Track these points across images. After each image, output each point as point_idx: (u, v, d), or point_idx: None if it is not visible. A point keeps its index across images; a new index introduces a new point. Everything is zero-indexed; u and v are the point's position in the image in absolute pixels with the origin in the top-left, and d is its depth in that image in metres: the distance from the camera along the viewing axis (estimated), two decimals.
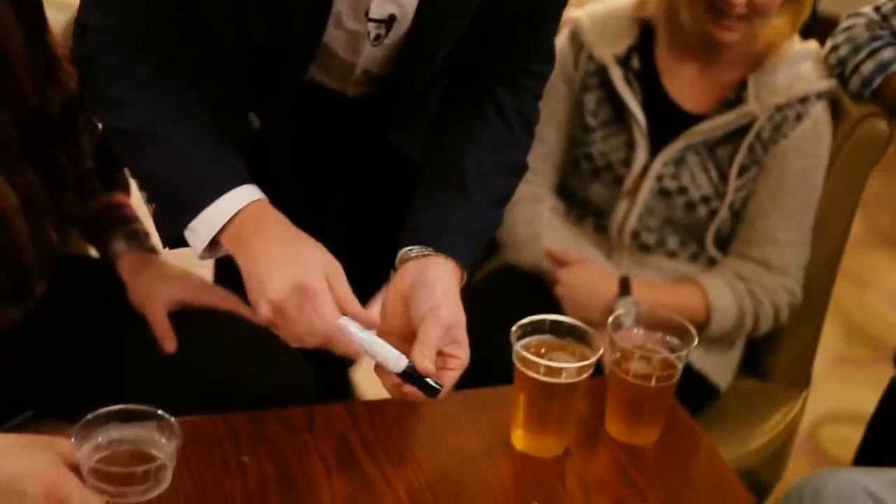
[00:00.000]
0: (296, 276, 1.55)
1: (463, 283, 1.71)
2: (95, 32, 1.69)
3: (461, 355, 1.62)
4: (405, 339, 1.62)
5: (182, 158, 1.66)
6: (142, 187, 1.75)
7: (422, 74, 1.85)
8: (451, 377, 1.61)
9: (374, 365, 1.61)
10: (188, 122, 1.68)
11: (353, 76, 1.91)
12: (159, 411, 1.50)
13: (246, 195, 1.63)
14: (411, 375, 1.57)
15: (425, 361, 1.57)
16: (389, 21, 1.75)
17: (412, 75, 1.85)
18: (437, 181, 1.81)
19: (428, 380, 1.57)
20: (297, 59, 1.80)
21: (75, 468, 1.44)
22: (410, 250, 1.70)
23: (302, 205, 1.92)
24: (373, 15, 1.74)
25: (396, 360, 1.56)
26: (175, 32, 1.72)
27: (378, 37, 1.78)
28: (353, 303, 1.59)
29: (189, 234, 1.65)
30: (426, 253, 1.69)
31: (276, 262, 1.57)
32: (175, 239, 1.68)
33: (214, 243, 1.64)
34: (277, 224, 1.63)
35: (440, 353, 1.60)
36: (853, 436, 2.53)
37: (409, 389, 1.59)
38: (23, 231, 1.96)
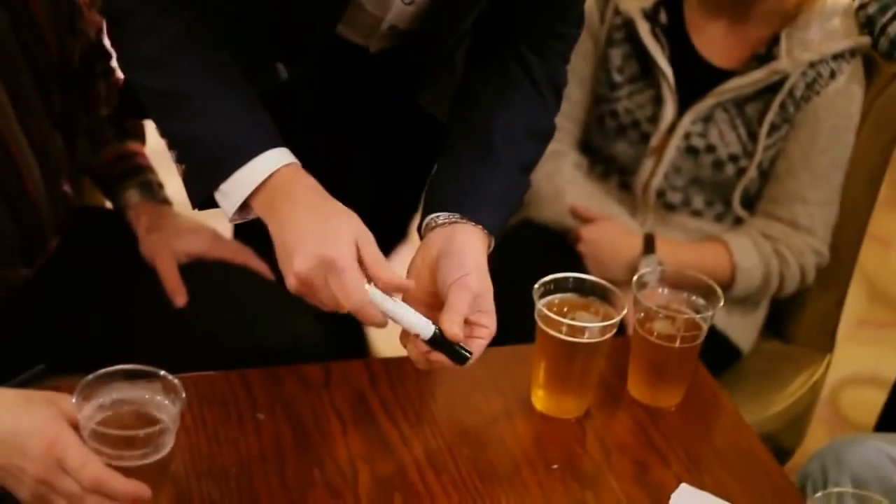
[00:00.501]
0: (322, 250, 1.52)
1: (490, 249, 1.70)
2: None
3: (489, 324, 1.61)
4: (432, 307, 1.61)
5: (214, 120, 1.64)
6: (171, 147, 1.73)
7: (450, 33, 1.83)
8: (478, 346, 1.60)
9: (400, 333, 1.59)
10: (221, 83, 1.66)
11: (379, 31, 1.89)
12: (162, 372, 1.47)
13: (278, 158, 1.61)
14: (440, 342, 1.55)
15: (454, 327, 1.55)
16: None
17: (440, 33, 1.83)
18: (465, 146, 1.79)
19: (456, 346, 1.55)
20: (327, 10, 1.77)
21: (76, 426, 1.41)
22: (437, 217, 1.69)
23: (325, 160, 1.90)
24: None
25: (425, 327, 1.55)
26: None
27: None
28: (384, 269, 1.55)
29: (220, 196, 1.63)
30: (454, 220, 1.67)
31: (303, 232, 1.54)
32: (205, 200, 1.66)
33: (245, 206, 1.62)
34: (308, 190, 1.60)
35: (467, 322, 1.58)
36: (874, 400, 2.51)
37: (437, 357, 1.57)
38: (38, 185, 1.94)
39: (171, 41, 1.65)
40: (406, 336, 1.59)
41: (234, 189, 1.61)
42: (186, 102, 1.64)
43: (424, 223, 1.71)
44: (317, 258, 1.52)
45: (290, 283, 1.55)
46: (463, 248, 1.63)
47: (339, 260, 1.51)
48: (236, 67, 1.69)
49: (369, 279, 1.53)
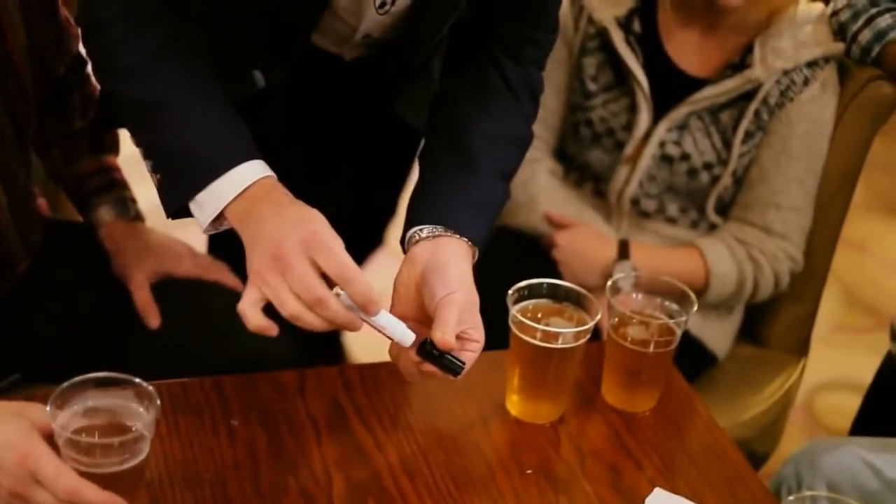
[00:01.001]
0: (276, 249, 1.51)
1: (475, 259, 1.70)
2: (104, 4, 1.66)
3: (478, 338, 1.60)
4: (420, 322, 1.60)
5: (192, 130, 1.63)
6: (146, 157, 1.72)
7: (425, 42, 1.83)
8: (469, 359, 1.59)
9: (390, 346, 1.59)
10: (199, 93, 1.66)
11: (353, 40, 1.89)
12: (137, 379, 1.47)
13: (255, 170, 1.61)
14: (432, 353, 1.55)
15: (447, 337, 1.54)
16: None
17: (415, 42, 1.83)
18: (445, 155, 1.79)
19: (449, 357, 1.56)
20: (303, 19, 1.78)
21: (49, 435, 1.41)
22: (421, 230, 1.67)
23: (301, 167, 1.90)
24: None
25: (403, 333, 1.54)
26: (185, 4, 1.69)
27: (384, 4, 1.75)
28: (352, 274, 1.51)
29: (194, 206, 1.62)
30: (437, 233, 1.67)
31: (265, 235, 1.54)
32: (179, 210, 1.65)
33: (218, 216, 1.61)
34: (278, 196, 1.59)
35: (458, 337, 1.57)
36: (849, 405, 2.52)
37: (428, 368, 1.57)
38: (4, 212, 1.92)
39: (148, 51, 1.65)
40: (396, 347, 1.59)
41: (210, 200, 1.61)
42: (163, 112, 1.64)
43: (408, 237, 1.69)
44: (270, 256, 1.51)
45: (250, 283, 1.54)
46: (447, 263, 1.62)
47: (289, 256, 1.50)
48: (214, 77, 1.68)
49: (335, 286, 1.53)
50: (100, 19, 1.67)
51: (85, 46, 1.74)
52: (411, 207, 1.74)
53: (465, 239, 1.67)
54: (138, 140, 1.71)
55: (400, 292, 1.64)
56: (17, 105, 1.89)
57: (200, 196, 1.61)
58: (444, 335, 1.54)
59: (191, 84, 1.65)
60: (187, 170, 1.63)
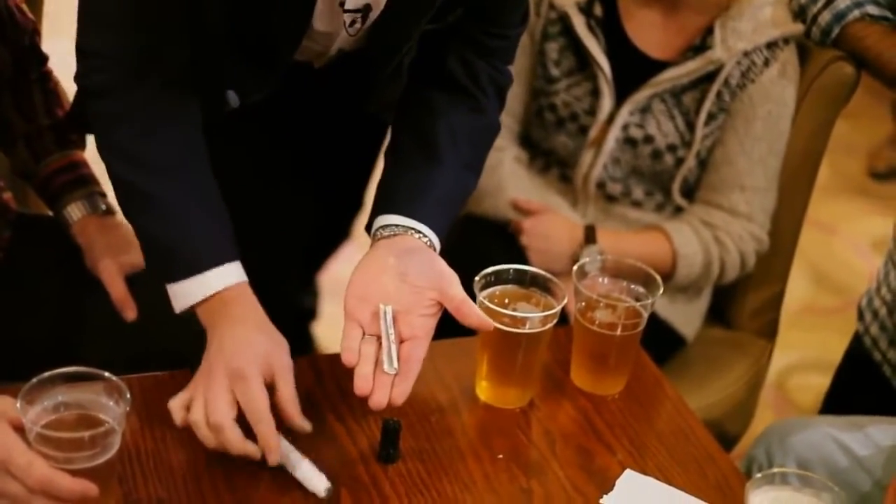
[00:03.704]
0: (232, 360, 1.60)
1: (437, 251, 1.74)
2: (95, 58, 1.69)
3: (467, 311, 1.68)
4: (365, 300, 1.65)
5: (172, 226, 1.69)
6: (134, 231, 1.77)
7: (395, 50, 1.84)
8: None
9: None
10: (184, 187, 1.70)
11: (325, 56, 1.91)
12: (106, 374, 1.47)
13: (225, 278, 1.67)
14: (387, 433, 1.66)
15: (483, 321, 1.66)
16: (365, 10, 1.75)
17: (385, 52, 1.84)
18: (411, 148, 1.82)
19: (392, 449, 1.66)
20: (284, 46, 1.80)
21: (20, 428, 1.41)
22: (384, 228, 1.73)
23: (269, 164, 1.91)
24: (348, 6, 1.74)
25: (318, 482, 1.59)
26: (176, 42, 1.70)
27: (353, 23, 1.77)
28: (293, 407, 1.62)
29: (169, 289, 1.70)
30: (399, 232, 1.72)
31: (226, 341, 1.63)
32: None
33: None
34: (248, 312, 1.67)
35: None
36: (820, 385, 2.54)
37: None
38: None
39: (136, 136, 1.69)
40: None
41: (182, 293, 1.68)
42: (149, 201, 1.69)
43: (374, 227, 1.75)
44: (226, 367, 1.59)
45: (196, 378, 1.63)
46: (418, 249, 1.70)
47: (244, 372, 1.59)
48: (204, 156, 1.73)
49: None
50: (95, 85, 1.70)
51: (90, 115, 1.75)
52: (378, 197, 1.78)
53: (424, 238, 1.73)
54: (127, 219, 1.76)
55: (359, 274, 1.68)
56: None
57: (175, 286, 1.68)
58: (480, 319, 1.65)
59: (175, 176, 1.70)
60: (163, 260, 1.70)
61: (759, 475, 1.54)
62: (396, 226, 1.72)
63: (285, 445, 1.61)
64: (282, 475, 1.61)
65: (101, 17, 1.67)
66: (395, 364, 1.61)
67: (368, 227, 1.78)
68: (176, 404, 1.61)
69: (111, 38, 1.67)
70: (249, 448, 1.57)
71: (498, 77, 1.88)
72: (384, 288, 1.66)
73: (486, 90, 1.86)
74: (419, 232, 1.72)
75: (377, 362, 1.62)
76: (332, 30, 1.79)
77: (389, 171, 1.83)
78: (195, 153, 1.73)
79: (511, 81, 1.92)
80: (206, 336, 1.66)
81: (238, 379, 1.58)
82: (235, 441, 1.57)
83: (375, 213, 1.76)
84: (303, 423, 1.62)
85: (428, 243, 1.73)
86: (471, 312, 1.65)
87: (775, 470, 1.59)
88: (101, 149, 1.75)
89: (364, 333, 1.63)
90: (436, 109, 1.83)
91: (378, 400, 1.60)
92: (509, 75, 1.91)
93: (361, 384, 1.60)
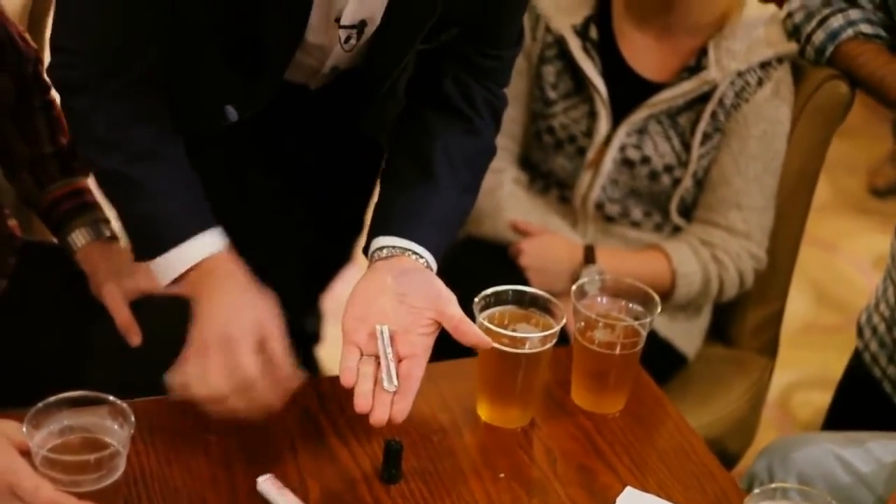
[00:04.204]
0: (224, 327, 1.62)
1: (434, 272, 1.76)
2: (69, 55, 1.71)
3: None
4: (363, 321, 1.67)
5: (153, 202, 1.72)
6: (115, 213, 1.81)
7: (389, 70, 1.86)
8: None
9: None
10: (161, 164, 1.73)
11: (320, 73, 1.93)
12: (111, 397, 1.50)
13: (210, 244, 1.70)
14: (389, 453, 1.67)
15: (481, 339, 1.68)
16: (360, 26, 1.77)
17: (380, 70, 1.86)
18: (407, 171, 1.84)
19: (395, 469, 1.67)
20: (277, 57, 1.81)
21: (26, 452, 1.43)
22: (381, 250, 1.75)
23: (268, 187, 1.93)
24: (344, 22, 1.76)
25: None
26: (150, 44, 1.73)
27: (349, 39, 1.79)
28: (285, 364, 1.65)
29: (154, 266, 1.73)
30: (395, 254, 1.74)
31: (216, 309, 1.65)
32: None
33: (180, 278, 1.71)
34: (230, 274, 1.70)
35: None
36: (822, 402, 2.54)
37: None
38: None
39: (110, 125, 1.71)
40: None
41: (166, 266, 1.71)
42: (126, 183, 1.72)
43: (371, 250, 1.77)
44: (218, 334, 1.62)
45: (189, 349, 1.65)
46: (414, 270, 1.72)
47: (236, 337, 1.61)
48: (178, 142, 1.76)
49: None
50: (68, 79, 1.73)
51: (62, 108, 1.78)
52: (374, 219, 1.80)
53: (421, 260, 1.75)
54: (109, 202, 1.79)
55: (357, 295, 1.70)
56: None
57: (159, 260, 1.71)
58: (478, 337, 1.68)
59: (151, 156, 1.73)
60: (146, 237, 1.74)
61: (757, 490, 1.55)
62: (393, 247, 1.74)
63: (269, 485, 1.63)
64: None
65: (76, 16, 1.70)
66: (395, 381, 1.63)
67: (366, 250, 1.79)
68: (177, 381, 1.63)
69: (85, 37, 1.70)
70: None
71: (493, 100, 1.90)
72: (382, 309, 1.68)
73: (482, 112, 1.88)
74: (415, 253, 1.74)
75: (376, 381, 1.63)
76: (326, 43, 1.81)
77: (386, 194, 1.85)
78: (167, 139, 1.75)
79: (506, 105, 1.93)
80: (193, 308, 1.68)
81: (227, 346, 1.60)
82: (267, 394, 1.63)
83: (372, 235, 1.78)
84: (294, 379, 1.66)
85: (425, 264, 1.74)
86: (469, 331, 1.67)
87: (774, 485, 1.60)
88: (79, 142, 1.80)
89: (362, 354, 1.65)
90: (432, 131, 1.84)
91: (379, 417, 1.61)
92: (504, 98, 1.93)
93: (361, 402, 1.61)
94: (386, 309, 1.68)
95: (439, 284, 1.71)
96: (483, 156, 1.90)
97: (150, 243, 1.72)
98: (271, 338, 1.64)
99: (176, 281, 1.72)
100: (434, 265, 1.76)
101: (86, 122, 1.74)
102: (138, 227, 1.76)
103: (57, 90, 1.78)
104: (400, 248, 1.74)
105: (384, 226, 1.77)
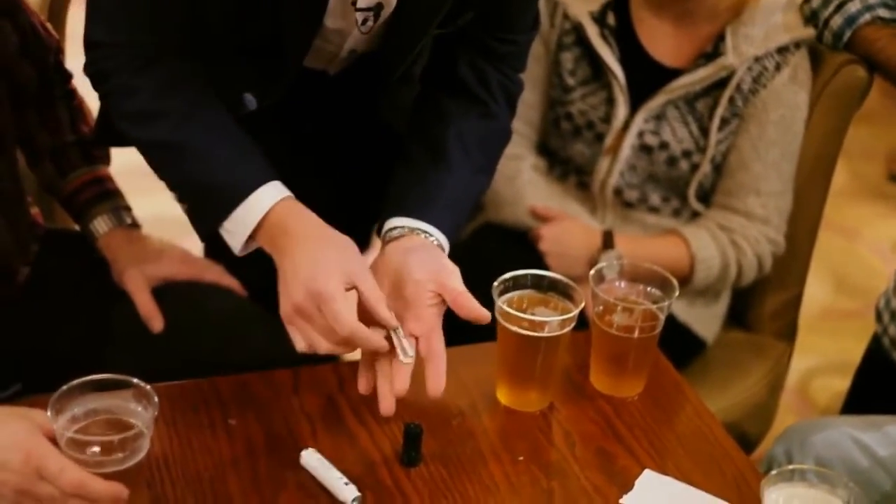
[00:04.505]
0: (311, 284, 1.60)
1: (446, 252, 1.77)
2: (105, 49, 1.73)
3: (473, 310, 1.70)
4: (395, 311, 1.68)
5: (207, 164, 1.71)
6: (170, 188, 1.79)
7: (406, 54, 1.87)
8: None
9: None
10: (209, 127, 1.74)
11: (338, 58, 1.93)
12: (135, 380, 1.51)
13: (273, 194, 1.69)
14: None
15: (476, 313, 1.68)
16: (377, 8, 1.78)
17: (396, 54, 1.87)
18: (420, 152, 1.85)
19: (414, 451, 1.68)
20: (296, 43, 1.82)
21: (52, 438, 1.45)
22: (392, 231, 1.77)
23: (286, 176, 1.93)
24: (361, 4, 1.77)
25: (348, 492, 1.61)
26: (179, 36, 1.75)
27: (366, 21, 1.80)
28: (379, 304, 1.64)
29: (224, 233, 1.72)
30: (403, 234, 1.76)
31: (297, 266, 1.63)
32: (212, 234, 1.74)
33: (250, 238, 1.70)
34: (303, 223, 1.68)
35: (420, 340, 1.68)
36: (842, 388, 2.54)
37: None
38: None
39: (152, 94, 1.72)
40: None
41: (236, 227, 1.69)
42: (178, 150, 1.72)
43: (383, 231, 1.79)
44: (306, 291, 1.60)
45: (286, 312, 1.63)
46: (422, 247, 1.73)
47: (325, 292, 1.59)
48: (221, 107, 1.76)
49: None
50: (101, 70, 1.74)
51: (96, 92, 1.79)
52: (387, 202, 1.82)
53: (433, 238, 1.76)
54: (160, 176, 1.78)
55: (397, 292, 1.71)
56: None
57: (227, 224, 1.70)
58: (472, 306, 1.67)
59: (197, 118, 1.73)
60: (208, 202, 1.72)
61: (774, 472, 1.56)
62: (404, 227, 1.76)
63: (316, 457, 1.64)
64: (308, 481, 1.64)
65: (108, 13, 1.72)
66: (410, 353, 1.65)
67: (379, 231, 1.81)
68: (298, 347, 1.65)
69: (118, 31, 1.72)
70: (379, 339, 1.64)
71: (508, 84, 1.91)
72: (387, 289, 1.70)
73: (497, 96, 1.89)
74: (426, 232, 1.76)
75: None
76: (344, 27, 1.82)
77: (399, 176, 1.86)
78: (209, 100, 1.76)
79: (521, 89, 1.94)
80: (278, 270, 1.67)
81: (321, 301, 1.59)
82: (370, 339, 1.63)
83: (385, 218, 1.80)
84: (388, 318, 1.64)
85: (435, 243, 1.76)
86: (467, 304, 1.68)
87: (790, 467, 1.60)
88: (118, 122, 1.78)
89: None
90: (446, 115, 1.86)
91: (401, 387, 1.65)
92: (520, 83, 1.94)
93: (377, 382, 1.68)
94: (391, 286, 1.70)
95: (443, 260, 1.73)
96: (497, 138, 1.92)
97: (212, 209, 1.71)
98: (358, 279, 1.63)
99: (249, 243, 1.71)
100: (446, 245, 1.78)
101: (127, 98, 1.74)
102: (196, 195, 1.75)
103: (94, 84, 1.78)
104: (410, 227, 1.76)
105: (397, 207, 1.79)
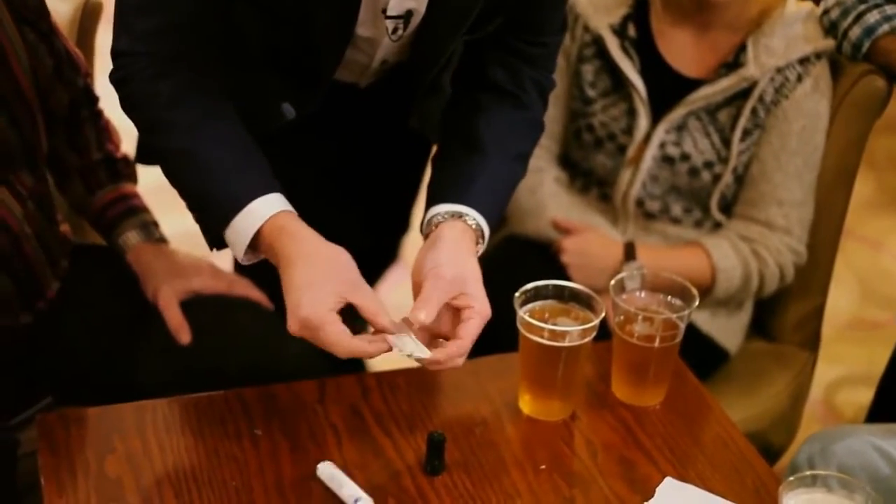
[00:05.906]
0: (300, 312, 1.62)
1: (486, 237, 1.79)
2: (127, 57, 1.75)
3: (474, 304, 1.68)
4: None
5: (210, 174, 1.73)
6: (182, 198, 1.81)
7: (434, 61, 1.89)
8: (470, 327, 1.67)
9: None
10: (216, 136, 1.75)
11: (370, 68, 1.96)
12: None
13: (270, 206, 1.70)
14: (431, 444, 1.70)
15: (420, 314, 1.64)
16: (407, 16, 1.80)
17: (427, 60, 1.89)
18: (455, 145, 1.87)
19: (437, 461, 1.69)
20: (329, 53, 1.84)
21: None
22: (433, 217, 1.78)
23: (315, 187, 1.96)
24: (391, 12, 1.79)
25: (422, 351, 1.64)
26: (206, 46, 1.77)
27: (396, 30, 1.82)
28: (376, 316, 1.65)
29: (228, 242, 1.73)
30: (442, 220, 1.76)
31: (291, 289, 1.64)
32: (220, 242, 1.76)
33: (255, 246, 1.71)
34: (293, 240, 1.68)
35: (451, 307, 1.68)
36: (868, 398, 2.55)
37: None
38: (29, 239, 1.99)
39: (165, 103, 1.74)
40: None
41: (236, 237, 1.70)
42: (187, 159, 1.74)
43: (424, 222, 1.80)
44: (298, 320, 1.62)
45: (292, 332, 1.65)
46: (442, 242, 1.73)
47: (313, 320, 1.61)
48: (233, 116, 1.77)
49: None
50: (122, 77, 1.76)
51: (120, 101, 1.82)
52: (427, 196, 1.83)
53: (471, 220, 1.77)
54: (172, 184, 1.80)
55: (415, 281, 1.73)
56: (25, 127, 1.96)
57: (227, 234, 1.71)
58: (418, 312, 1.65)
59: (205, 129, 1.74)
60: (210, 211, 1.74)
61: (792, 478, 1.57)
62: (446, 213, 1.77)
63: (329, 471, 1.67)
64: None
65: (134, 25, 1.74)
66: (422, 354, 1.65)
67: (421, 227, 1.82)
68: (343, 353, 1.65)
69: (143, 41, 1.74)
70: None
71: (541, 79, 1.93)
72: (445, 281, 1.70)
73: (528, 90, 1.91)
74: (466, 215, 1.77)
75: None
76: (375, 36, 1.84)
77: (436, 170, 1.88)
78: (222, 111, 1.77)
79: (554, 85, 1.97)
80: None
81: (311, 329, 1.61)
82: (370, 349, 1.65)
83: (426, 210, 1.81)
84: (388, 327, 1.65)
85: (475, 226, 1.77)
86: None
87: (808, 472, 1.61)
88: (139, 128, 1.81)
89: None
90: (479, 107, 1.88)
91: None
92: (553, 81, 1.96)
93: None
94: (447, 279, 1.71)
95: (471, 262, 1.74)
96: (530, 127, 1.93)
97: (215, 216, 1.72)
98: (350, 294, 1.64)
99: (252, 253, 1.72)
100: (486, 228, 1.79)
101: (144, 106, 1.76)
102: (200, 201, 1.77)
103: (118, 89, 1.79)
104: (450, 213, 1.77)
105: (435, 197, 1.80)
